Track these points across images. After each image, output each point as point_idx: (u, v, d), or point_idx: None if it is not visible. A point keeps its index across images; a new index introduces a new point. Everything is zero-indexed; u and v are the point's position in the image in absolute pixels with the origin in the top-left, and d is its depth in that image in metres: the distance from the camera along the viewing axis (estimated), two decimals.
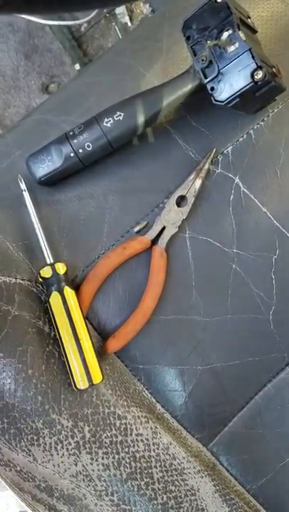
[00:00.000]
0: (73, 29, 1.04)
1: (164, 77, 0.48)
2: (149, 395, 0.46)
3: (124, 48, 0.52)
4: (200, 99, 0.43)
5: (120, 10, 1.02)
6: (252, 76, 0.39)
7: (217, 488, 0.44)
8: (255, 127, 0.47)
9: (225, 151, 0.47)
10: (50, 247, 0.43)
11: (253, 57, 0.38)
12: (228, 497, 0.44)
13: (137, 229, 0.46)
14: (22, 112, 1.01)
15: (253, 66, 0.38)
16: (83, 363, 0.39)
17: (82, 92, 0.50)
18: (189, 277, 0.46)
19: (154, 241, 0.45)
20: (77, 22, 0.98)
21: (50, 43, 1.01)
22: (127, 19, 1.02)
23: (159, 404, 0.46)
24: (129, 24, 1.03)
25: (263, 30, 0.49)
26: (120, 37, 1.03)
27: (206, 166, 0.46)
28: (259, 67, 0.38)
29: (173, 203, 0.46)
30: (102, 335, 0.45)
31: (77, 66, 1.03)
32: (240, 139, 0.47)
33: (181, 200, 0.46)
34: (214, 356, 0.46)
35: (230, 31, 0.39)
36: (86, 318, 0.44)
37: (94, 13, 0.93)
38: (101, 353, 0.44)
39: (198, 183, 0.46)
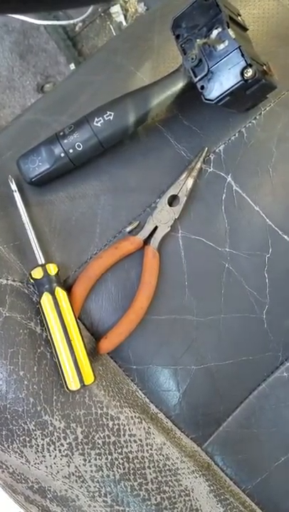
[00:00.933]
0: (68, 29, 1.03)
1: (155, 75, 0.48)
2: (143, 396, 0.46)
3: (116, 47, 0.52)
4: (191, 97, 0.43)
5: (115, 9, 1.02)
6: (242, 74, 0.38)
7: (212, 488, 0.44)
8: (247, 125, 0.47)
9: (217, 150, 0.47)
10: (41, 247, 0.43)
11: (242, 55, 0.38)
12: (222, 497, 0.44)
13: (129, 229, 0.46)
14: (17, 112, 1.01)
15: (243, 64, 0.38)
16: (75, 364, 0.39)
17: (74, 92, 0.50)
18: (182, 277, 0.46)
19: (147, 241, 0.45)
20: (72, 21, 0.97)
21: (45, 42, 1.01)
22: (121, 18, 1.02)
23: (153, 404, 0.46)
24: (124, 23, 1.03)
25: (255, 28, 0.49)
26: None
27: (198, 165, 0.46)
28: (249, 65, 0.38)
29: (165, 203, 0.46)
30: (95, 335, 0.45)
31: (72, 66, 1.03)
32: (232, 138, 0.47)
33: (173, 200, 0.46)
34: (208, 356, 0.46)
35: (220, 29, 0.39)
36: (79, 318, 0.44)
37: (88, 12, 0.93)
38: (94, 354, 0.44)
39: (190, 182, 0.46)
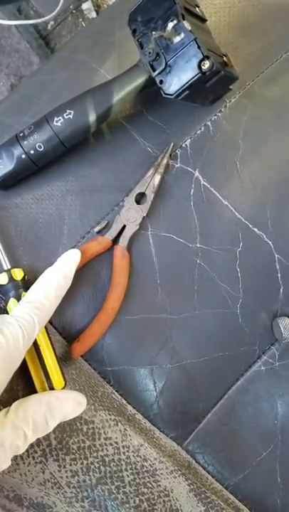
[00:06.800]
0: (40, 28, 1.02)
1: (118, 71, 0.47)
2: (119, 397, 0.45)
3: (78, 44, 0.51)
4: (155, 93, 0.42)
5: (87, 6, 1.00)
6: (199, 67, 0.38)
7: (192, 487, 0.44)
8: (213, 119, 0.46)
9: (183, 145, 0.46)
10: (7, 252, 0.42)
11: (198, 47, 0.37)
12: (203, 496, 0.44)
13: (97, 229, 0.45)
14: None
15: (200, 56, 0.37)
16: (43, 370, 0.38)
17: (36, 92, 0.49)
18: (154, 275, 0.45)
19: (115, 240, 0.44)
20: (43, 19, 0.96)
21: (17, 43, 1.00)
22: (93, 14, 1.01)
23: (130, 405, 0.45)
24: None
25: (216, 18, 0.48)
26: None
27: (165, 161, 0.45)
28: (206, 57, 0.37)
29: (132, 201, 0.45)
30: (67, 339, 0.44)
31: None
32: (198, 132, 0.46)
33: (140, 198, 0.45)
34: (183, 353, 0.46)
35: (175, 21, 0.38)
36: (50, 322, 0.44)
37: (58, 8, 0.91)
38: (67, 358, 0.43)
39: (157, 178, 0.45)
